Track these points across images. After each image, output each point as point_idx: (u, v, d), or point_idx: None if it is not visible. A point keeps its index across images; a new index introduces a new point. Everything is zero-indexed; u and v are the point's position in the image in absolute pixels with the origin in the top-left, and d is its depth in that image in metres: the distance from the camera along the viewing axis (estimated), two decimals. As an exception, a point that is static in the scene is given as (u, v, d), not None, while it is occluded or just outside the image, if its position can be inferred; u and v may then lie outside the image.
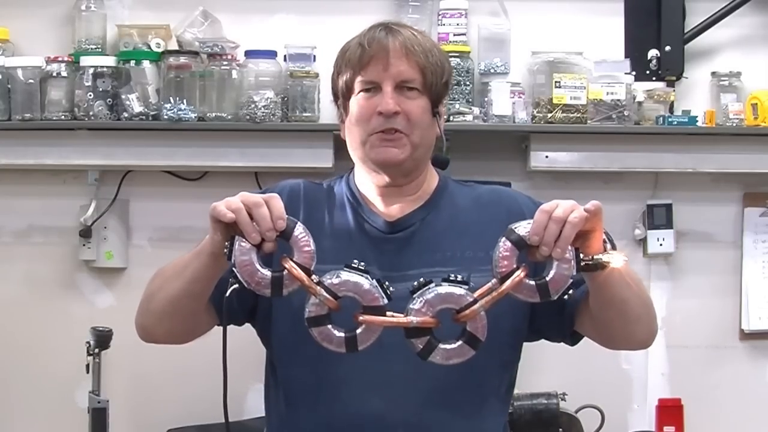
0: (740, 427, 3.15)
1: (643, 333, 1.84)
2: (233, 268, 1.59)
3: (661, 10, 3.07)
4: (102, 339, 2.82)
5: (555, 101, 2.95)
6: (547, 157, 3.02)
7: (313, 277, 1.59)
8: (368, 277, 1.59)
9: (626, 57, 3.05)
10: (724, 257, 3.16)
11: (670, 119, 2.98)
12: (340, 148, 2.72)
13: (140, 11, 3.11)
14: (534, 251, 1.60)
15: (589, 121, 2.96)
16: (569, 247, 1.59)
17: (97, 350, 2.84)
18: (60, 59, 2.99)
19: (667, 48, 3.06)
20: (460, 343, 1.61)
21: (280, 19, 3.12)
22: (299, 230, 1.59)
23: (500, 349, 1.81)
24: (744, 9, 3.07)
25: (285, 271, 1.58)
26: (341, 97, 1.88)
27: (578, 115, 2.96)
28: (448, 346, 1.61)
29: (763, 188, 3.14)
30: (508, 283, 1.59)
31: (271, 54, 2.99)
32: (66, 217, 3.14)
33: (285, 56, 3.00)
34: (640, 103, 3.01)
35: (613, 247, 1.69)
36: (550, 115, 2.96)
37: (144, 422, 3.11)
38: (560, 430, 2.88)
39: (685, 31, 3.08)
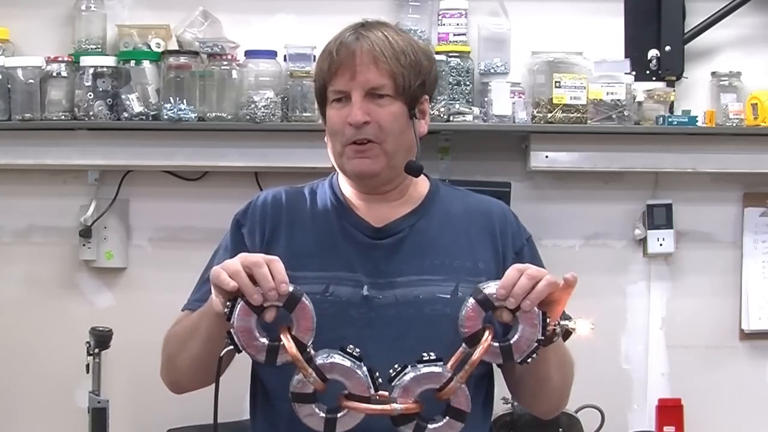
0: (740, 427, 3.15)
1: (545, 410, 1.92)
2: (231, 330, 1.58)
3: (661, 10, 3.07)
4: (102, 339, 2.82)
5: (555, 101, 2.95)
6: (547, 157, 3.02)
7: (309, 349, 1.58)
8: (361, 364, 1.59)
9: (626, 57, 3.05)
10: (724, 257, 3.16)
11: (670, 119, 2.97)
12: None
13: (140, 11, 3.12)
14: (500, 312, 1.59)
15: (589, 121, 2.96)
16: (537, 311, 1.58)
17: (97, 350, 2.84)
18: (60, 59, 2.99)
19: (667, 48, 3.06)
20: (447, 419, 1.61)
21: (280, 19, 3.12)
22: (304, 302, 1.58)
23: None
24: (744, 9, 3.07)
25: (281, 342, 1.58)
26: (318, 103, 1.86)
27: (578, 115, 2.95)
28: (436, 425, 1.61)
29: (763, 188, 3.14)
30: (479, 350, 1.59)
31: (271, 54, 2.99)
32: (66, 217, 3.14)
33: (285, 56, 3.00)
34: (640, 103, 3.01)
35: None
36: (550, 115, 2.96)
37: (144, 422, 3.12)
38: (560, 430, 2.88)
39: (685, 31, 3.08)
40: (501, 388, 1.92)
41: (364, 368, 1.59)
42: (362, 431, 1.68)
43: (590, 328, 1.64)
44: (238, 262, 1.58)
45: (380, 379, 1.60)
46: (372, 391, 1.59)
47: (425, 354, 1.60)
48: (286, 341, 1.57)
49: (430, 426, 1.61)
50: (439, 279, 1.80)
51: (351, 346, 1.59)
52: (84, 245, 3.12)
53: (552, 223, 3.10)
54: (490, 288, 1.59)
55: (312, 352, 1.59)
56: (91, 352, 2.84)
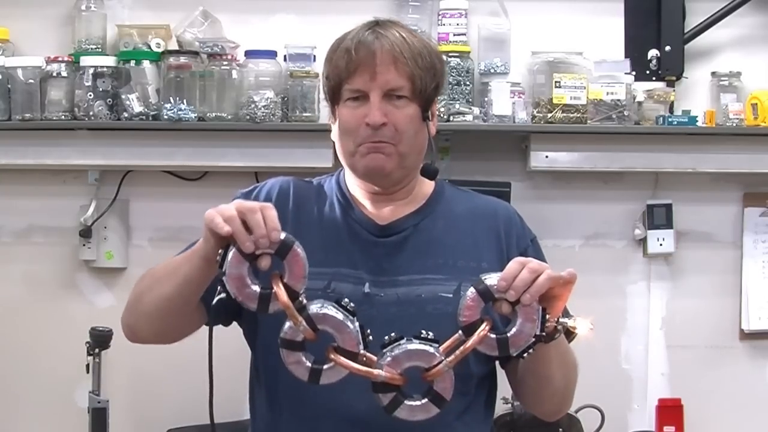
0: (740, 427, 3.15)
1: (547, 411, 1.90)
2: (223, 278, 1.56)
3: (661, 10, 3.07)
4: (102, 339, 2.82)
5: (555, 101, 2.95)
6: (547, 157, 3.02)
7: (302, 298, 1.56)
8: (354, 320, 1.57)
9: (626, 57, 3.05)
10: (724, 257, 3.16)
11: (670, 119, 2.98)
12: (340, 148, 2.72)
13: (140, 11, 3.12)
14: (500, 304, 1.58)
15: (589, 121, 2.97)
16: (536, 306, 1.58)
17: (97, 350, 2.84)
18: (60, 59, 2.99)
19: (667, 48, 3.06)
20: (425, 401, 1.60)
21: (280, 19, 3.12)
22: (296, 250, 1.56)
23: (474, 362, 1.80)
24: (744, 9, 3.07)
25: (273, 290, 1.56)
26: (330, 100, 1.85)
27: (578, 115, 2.96)
28: (413, 403, 1.60)
29: (763, 188, 3.14)
30: (474, 338, 1.58)
31: (271, 54, 2.99)
32: (66, 217, 3.14)
33: (285, 56, 3.00)
34: (640, 103, 3.01)
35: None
36: (550, 115, 2.96)
37: (144, 422, 3.12)
38: (560, 430, 2.88)
39: (685, 31, 3.08)
40: (501, 388, 1.92)
41: (357, 324, 1.57)
42: (359, 422, 1.71)
43: (590, 328, 1.63)
44: (233, 207, 1.56)
45: (371, 337, 1.58)
46: (361, 348, 1.57)
47: (423, 331, 1.59)
48: (277, 289, 1.55)
49: (406, 402, 1.60)
50: (442, 278, 1.80)
51: (346, 299, 1.58)
52: (84, 245, 3.12)
53: (552, 223, 3.10)
54: (492, 279, 1.59)
55: (304, 301, 1.57)
56: (91, 352, 2.84)
